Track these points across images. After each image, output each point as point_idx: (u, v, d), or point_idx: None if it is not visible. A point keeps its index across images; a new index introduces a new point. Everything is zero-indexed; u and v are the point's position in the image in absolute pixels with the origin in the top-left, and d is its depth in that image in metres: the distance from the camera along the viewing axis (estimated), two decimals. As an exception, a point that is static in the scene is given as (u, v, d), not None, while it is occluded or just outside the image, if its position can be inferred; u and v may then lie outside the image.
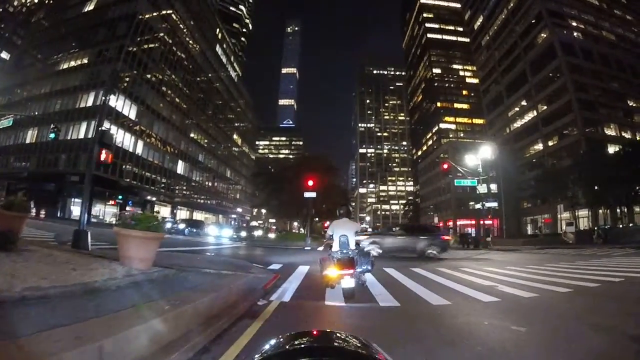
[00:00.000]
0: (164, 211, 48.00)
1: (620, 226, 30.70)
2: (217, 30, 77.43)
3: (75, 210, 35.59)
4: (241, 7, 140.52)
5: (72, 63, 43.12)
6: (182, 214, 52.26)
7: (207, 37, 67.12)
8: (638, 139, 35.61)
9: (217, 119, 70.02)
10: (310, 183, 23.35)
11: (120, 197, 39.48)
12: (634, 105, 42.53)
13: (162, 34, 48.55)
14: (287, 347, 0.72)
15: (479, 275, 8.51)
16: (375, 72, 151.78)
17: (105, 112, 37.18)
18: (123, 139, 40.33)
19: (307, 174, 25.23)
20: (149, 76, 45.29)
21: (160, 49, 48.15)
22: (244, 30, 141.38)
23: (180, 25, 54.39)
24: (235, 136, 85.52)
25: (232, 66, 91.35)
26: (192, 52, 59.41)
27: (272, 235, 39.76)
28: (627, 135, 39.09)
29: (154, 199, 46.92)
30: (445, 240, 14.75)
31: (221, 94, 73.06)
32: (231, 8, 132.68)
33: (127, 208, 41.95)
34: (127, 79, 40.83)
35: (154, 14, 46.30)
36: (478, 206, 28.29)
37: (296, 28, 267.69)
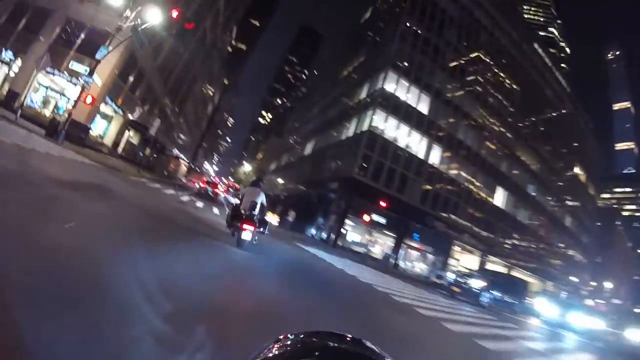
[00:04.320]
0: (468, 261, 27.32)
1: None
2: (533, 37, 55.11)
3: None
4: (551, 29, 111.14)
5: (349, 68, 36.57)
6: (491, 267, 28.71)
7: (518, 30, 46.30)
8: None
9: (549, 138, 43.93)
10: None
11: (381, 217, 23.72)
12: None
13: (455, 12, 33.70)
14: (285, 349, 0.67)
15: None
16: None
17: (377, 97, 24.85)
18: (409, 138, 25.91)
19: None
20: (436, 57, 30.38)
21: (451, 25, 33.06)
22: (562, 55, 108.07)
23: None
24: (577, 170, 53.30)
25: (554, 77, 63.40)
26: (504, 43, 40.60)
27: None
28: None
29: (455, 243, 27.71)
30: None
31: (552, 103, 47.07)
32: (540, 32, 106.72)
33: (414, 245, 25.41)
34: (409, 61, 27.80)
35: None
36: None
37: (617, 52, 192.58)
